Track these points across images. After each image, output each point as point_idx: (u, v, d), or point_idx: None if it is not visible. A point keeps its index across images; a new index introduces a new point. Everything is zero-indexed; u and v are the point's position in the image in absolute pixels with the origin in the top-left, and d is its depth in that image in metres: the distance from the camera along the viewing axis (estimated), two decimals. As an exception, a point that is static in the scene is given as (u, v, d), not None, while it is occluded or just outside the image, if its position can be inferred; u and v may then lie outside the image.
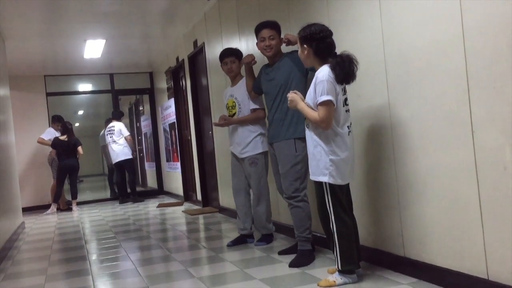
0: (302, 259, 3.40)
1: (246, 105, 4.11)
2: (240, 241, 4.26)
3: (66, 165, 8.45)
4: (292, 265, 3.36)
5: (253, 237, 4.27)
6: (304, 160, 3.38)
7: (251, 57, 3.96)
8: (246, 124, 4.11)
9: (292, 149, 3.48)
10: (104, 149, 9.82)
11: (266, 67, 3.74)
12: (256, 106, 4.08)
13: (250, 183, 4.15)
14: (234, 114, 4.16)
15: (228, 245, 4.25)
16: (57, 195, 8.50)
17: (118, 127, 8.91)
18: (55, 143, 8.42)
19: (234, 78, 4.26)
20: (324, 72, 2.75)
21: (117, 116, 9.24)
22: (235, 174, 4.25)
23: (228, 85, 4.47)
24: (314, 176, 2.87)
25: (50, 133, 8.70)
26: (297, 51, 3.03)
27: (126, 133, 8.90)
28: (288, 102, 3.00)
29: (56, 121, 8.87)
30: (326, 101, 2.70)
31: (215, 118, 6.14)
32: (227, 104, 4.25)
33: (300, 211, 3.48)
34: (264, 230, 4.14)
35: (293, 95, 2.95)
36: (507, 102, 2.14)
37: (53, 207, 8.47)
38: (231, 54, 4.24)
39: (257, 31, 3.69)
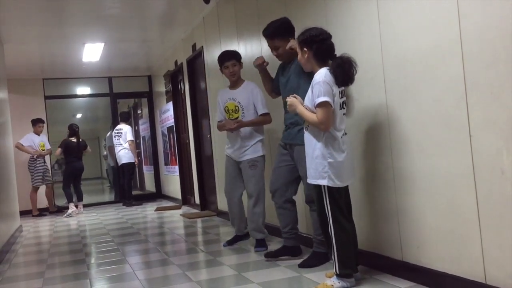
0: (313, 260, 3.40)
1: (250, 110, 4.09)
2: (236, 241, 4.39)
3: (76, 168, 8.51)
4: (302, 265, 3.37)
5: (248, 236, 4.33)
6: None
7: (262, 58, 3.86)
8: (249, 128, 4.09)
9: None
10: (111, 150, 9.85)
11: (283, 66, 3.58)
12: (266, 111, 4.07)
13: (248, 185, 4.10)
14: (237, 118, 4.11)
15: (224, 245, 4.36)
16: (70, 196, 8.44)
17: (126, 130, 8.93)
18: (67, 145, 8.41)
19: (236, 82, 4.20)
20: (320, 74, 2.76)
21: (125, 118, 9.26)
22: (231, 175, 4.22)
23: (226, 86, 4.40)
24: (313, 180, 2.86)
25: (28, 140, 8.53)
26: None
27: (130, 137, 8.89)
28: (287, 107, 3.00)
29: (37, 122, 8.74)
30: (323, 102, 2.70)
31: (213, 122, 6.14)
32: (227, 106, 4.20)
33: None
34: (259, 235, 4.08)
35: (292, 99, 2.94)
36: (504, 106, 2.15)
37: (72, 206, 8.39)
38: (231, 57, 4.18)
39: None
